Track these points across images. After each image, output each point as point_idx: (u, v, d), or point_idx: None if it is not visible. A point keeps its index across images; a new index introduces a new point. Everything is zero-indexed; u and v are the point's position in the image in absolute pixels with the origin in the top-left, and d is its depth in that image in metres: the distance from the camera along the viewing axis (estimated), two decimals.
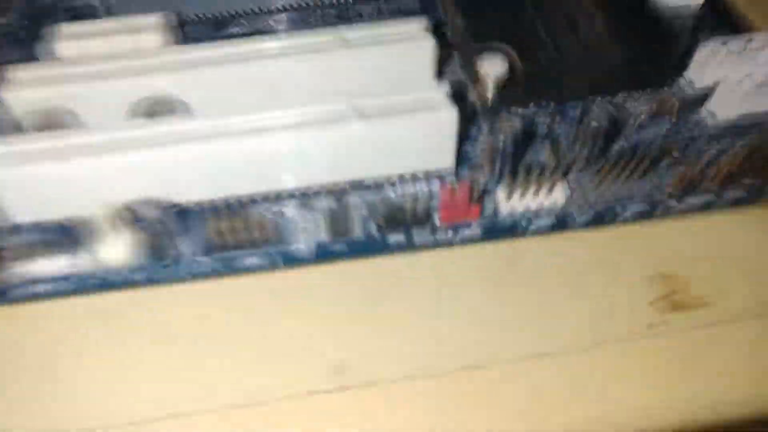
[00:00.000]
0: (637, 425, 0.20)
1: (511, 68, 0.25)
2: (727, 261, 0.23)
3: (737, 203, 0.24)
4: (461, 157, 0.24)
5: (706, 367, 0.20)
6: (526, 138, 0.25)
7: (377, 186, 0.24)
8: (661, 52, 0.27)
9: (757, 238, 0.23)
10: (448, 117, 0.22)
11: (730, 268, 0.23)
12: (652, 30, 0.27)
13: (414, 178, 0.24)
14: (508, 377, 0.20)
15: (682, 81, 0.27)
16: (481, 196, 0.23)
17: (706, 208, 0.24)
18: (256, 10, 0.31)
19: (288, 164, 0.23)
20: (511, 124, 0.23)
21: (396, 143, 0.23)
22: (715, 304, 0.22)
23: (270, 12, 0.32)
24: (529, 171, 0.23)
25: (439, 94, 0.23)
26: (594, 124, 0.24)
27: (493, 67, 0.25)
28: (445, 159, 0.24)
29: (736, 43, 0.27)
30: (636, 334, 0.21)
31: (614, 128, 0.25)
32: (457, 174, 0.24)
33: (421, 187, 0.23)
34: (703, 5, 0.31)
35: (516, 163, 0.24)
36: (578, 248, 0.23)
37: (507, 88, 0.26)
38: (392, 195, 0.23)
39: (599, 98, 0.26)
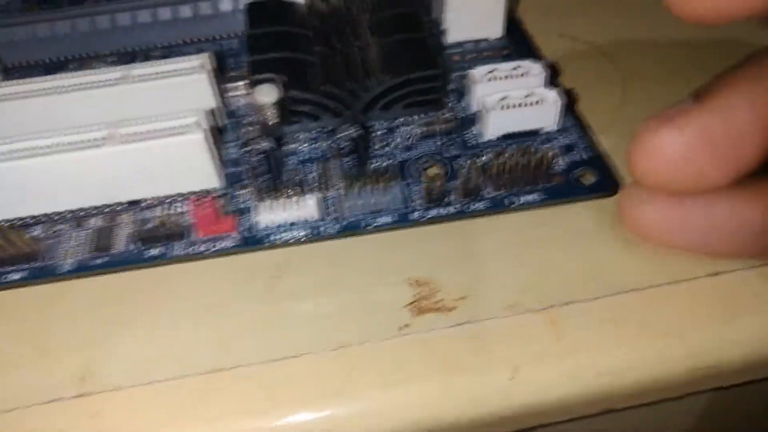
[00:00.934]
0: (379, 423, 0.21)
1: (291, 97, 0.27)
2: (474, 267, 0.24)
3: (481, 213, 0.25)
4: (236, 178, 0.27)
5: (452, 363, 0.21)
6: (285, 156, 0.27)
7: (150, 206, 0.26)
8: (443, 79, 0.29)
9: (501, 244, 0.24)
10: (196, 140, 0.24)
11: (476, 274, 0.24)
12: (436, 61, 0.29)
13: (180, 197, 0.26)
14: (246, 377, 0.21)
15: (458, 104, 0.29)
16: (235, 212, 0.25)
17: (454, 217, 0.25)
18: (85, 55, 0.34)
19: (63, 186, 0.25)
20: (265, 145, 0.25)
21: (157, 166, 0.25)
22: (458, 307, 0.23)
23: (100, 56, 0.34)
24: (287, 187, 0.25)
25: (193, 120, 0.25)
26: (349, 142, 0.25)
27: (267, 95, 0.27)
28: (211, 179, 0.26)
29: (503, 69, 0.29)
30: (388, 335, 0.22)
31: (370, 147, 0.27)
32: (228, 193, 0.26)
33: (177, 206, 0.25)
34: (502, 38, 0.33)
35: (276, 179, 0.25)
36: (331, 255, 0.24)
37: (287, 113, 0.28)
38: (155, 213, 0.25)
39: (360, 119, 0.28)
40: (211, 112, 0.27)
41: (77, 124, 0.26)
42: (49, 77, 0.28)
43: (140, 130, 0.25)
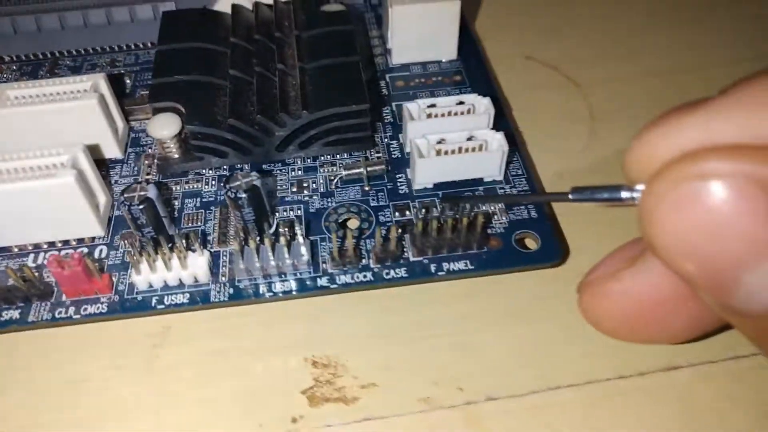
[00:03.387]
0: None
1: (191, 131, 0.23)
2: (385, 347, 0.20)
3: (401, 282, 0.21)
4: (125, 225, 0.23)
5: None
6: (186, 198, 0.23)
7: (16, 256, 0.22)
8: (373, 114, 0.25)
9: (421, 320, 0.21)
10: (67, 183, 0.20)
11: (387, 356, 0.20)
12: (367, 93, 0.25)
13: (52, 246, 0.22)
14: None
15: (393, 142, 0.25)
16: (113, 268, 0.21)
17: (368, 285, 0.21)
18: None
19: None
20: (145, 193, 0.21)
21: (24, 210, 0.21)
22: (362, 398, 0.19)
23: None
24: (174, 241, 0.21)
25: (67, 158, 0.21)
26: (246, 193, 0.21)
27: (163, 128, 0.23)
28: (90, 227, 0.22)
29: (444, 103, 0.25)
30: (277, 429, 0.19)
31: (275, 197, 0.23)
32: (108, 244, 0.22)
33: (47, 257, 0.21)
34: (455, 61, 0.29)
35: (159, 232, 0.21)
36: (219, 326, 0.21)
37: (189, 148, 0.24)
38: (19, 265, 0.21)
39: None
40: (96, 147, 0.23)
41: None
42: None
43: (5, 168, 0.21)
